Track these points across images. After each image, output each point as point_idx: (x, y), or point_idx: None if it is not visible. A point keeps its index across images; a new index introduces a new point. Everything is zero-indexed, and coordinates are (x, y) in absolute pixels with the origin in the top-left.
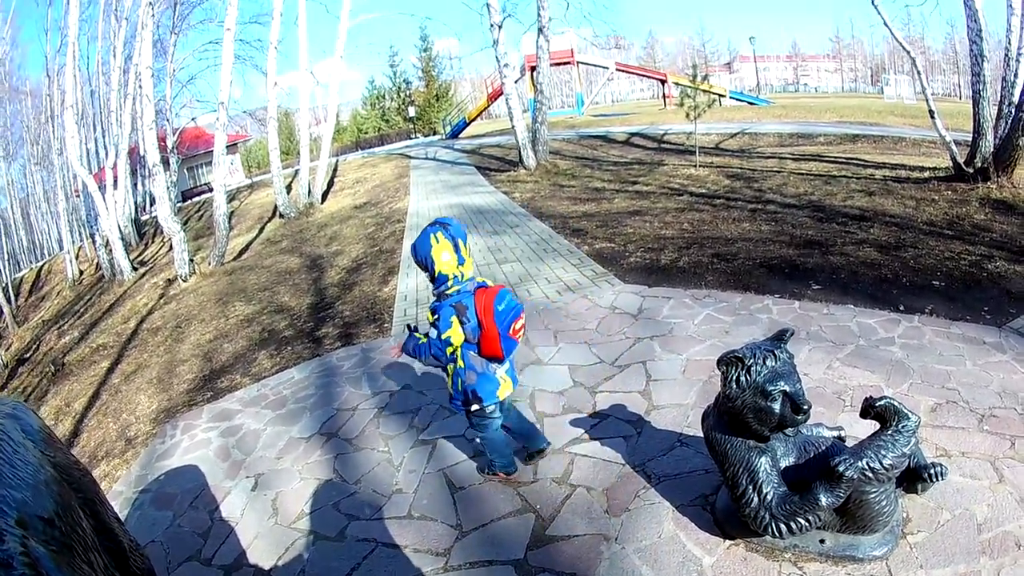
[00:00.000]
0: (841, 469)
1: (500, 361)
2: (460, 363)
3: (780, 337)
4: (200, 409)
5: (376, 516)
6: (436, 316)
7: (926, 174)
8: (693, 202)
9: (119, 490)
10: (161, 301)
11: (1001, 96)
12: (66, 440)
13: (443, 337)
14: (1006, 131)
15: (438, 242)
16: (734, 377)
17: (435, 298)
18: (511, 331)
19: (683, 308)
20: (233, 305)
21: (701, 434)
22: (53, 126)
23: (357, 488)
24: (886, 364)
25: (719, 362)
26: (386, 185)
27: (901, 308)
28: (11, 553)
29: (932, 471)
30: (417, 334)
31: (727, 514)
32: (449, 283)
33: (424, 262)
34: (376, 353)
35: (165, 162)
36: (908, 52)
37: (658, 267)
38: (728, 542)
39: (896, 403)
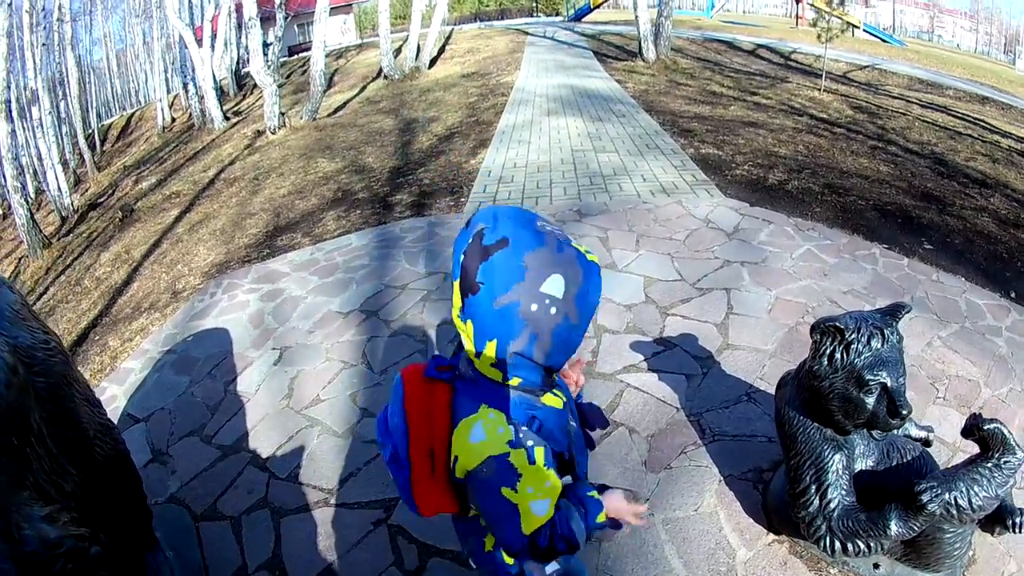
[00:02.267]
0: (924, 499)
1: None
2: None
3: (894, 313)
4: (248, 268)
5: None
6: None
7: None
8: (812, 125)
9: (146, 348)
10: (245, 152)
11: None
12: (117, 288)
13: None
14: None
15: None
16: (827, 351)
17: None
18: None
19: (783, 237)
20: (316, 161)
21: (773, 395)
22: None
23: (382, 379)
24: (989, 357)
25: (813, 328)
26: (498, 58)
27: (1012, 295)
28: None
29: (1017, 520)
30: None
31: (779, 503)
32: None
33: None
34: (443, 229)
35: (271, 17)
36: None
37: (764, 185)
38: (771, 537)
39: (1006, 430)
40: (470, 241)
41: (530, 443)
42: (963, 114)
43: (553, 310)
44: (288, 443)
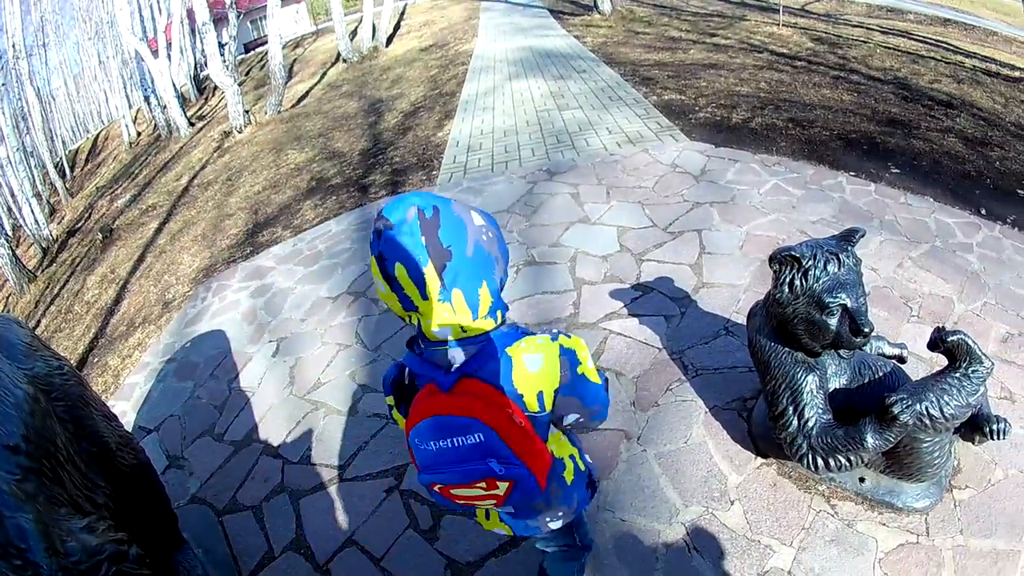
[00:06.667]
0: (896, 411)
1: None
2: None
3: (848, 237)
4: (235, 268)
5: None
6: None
7: (1017, 73)
8: (773, 61)
9: (146, 361)
10: (215, 155)
11: None
12: (108, 309)
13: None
14: None
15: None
16: (787, 279)
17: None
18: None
19: (750, 174)
20: (286, 153)
21: None
22: (103, 1)
23: (376, 355)
24: (961, 274)
25: (771, 259)
26: (454, 27)
27: (982, 212)
28: None
29: (994, 427)
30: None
31: (763, 428)
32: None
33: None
34: None
35: (224, 18)
36: None
37: (728, 125)
38: (759, 460)
39: (970, 341)
40: (411, 227)
41: (553, 331)
42: (925, 37)
43: (491, 233)
44: (296, 428)
